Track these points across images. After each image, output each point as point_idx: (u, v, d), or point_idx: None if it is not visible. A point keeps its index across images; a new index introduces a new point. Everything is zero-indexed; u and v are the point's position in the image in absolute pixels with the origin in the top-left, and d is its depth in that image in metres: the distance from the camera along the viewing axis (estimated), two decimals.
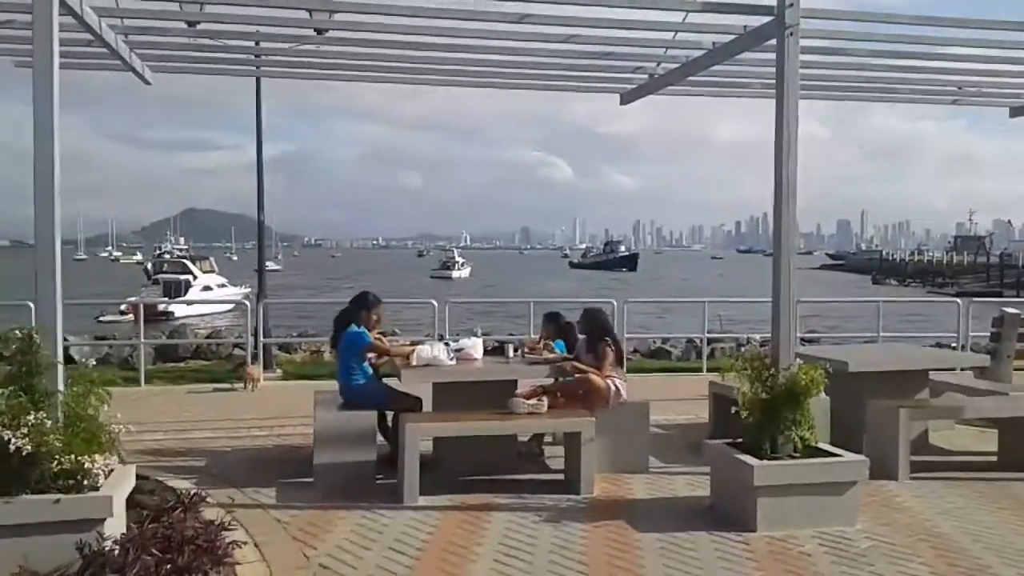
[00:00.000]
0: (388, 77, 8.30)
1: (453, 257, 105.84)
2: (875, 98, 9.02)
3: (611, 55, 7.56)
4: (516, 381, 6.96)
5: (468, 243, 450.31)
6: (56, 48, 4.88)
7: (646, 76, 8.08)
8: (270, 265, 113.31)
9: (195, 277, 46.63)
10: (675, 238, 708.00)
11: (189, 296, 42.41)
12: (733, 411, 5.81)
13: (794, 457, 5.63)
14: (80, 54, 6.91)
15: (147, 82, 7.68)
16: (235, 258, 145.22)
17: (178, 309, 36.60)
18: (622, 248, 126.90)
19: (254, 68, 8.56)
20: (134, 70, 7.34)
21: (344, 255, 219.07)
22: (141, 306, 13.22)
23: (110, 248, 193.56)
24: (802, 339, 14.31)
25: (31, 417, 4.57)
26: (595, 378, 6.75)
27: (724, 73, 7.85)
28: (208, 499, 5.74)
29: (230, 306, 38.23)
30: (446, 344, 7.14)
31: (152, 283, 46.61)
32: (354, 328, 6.92)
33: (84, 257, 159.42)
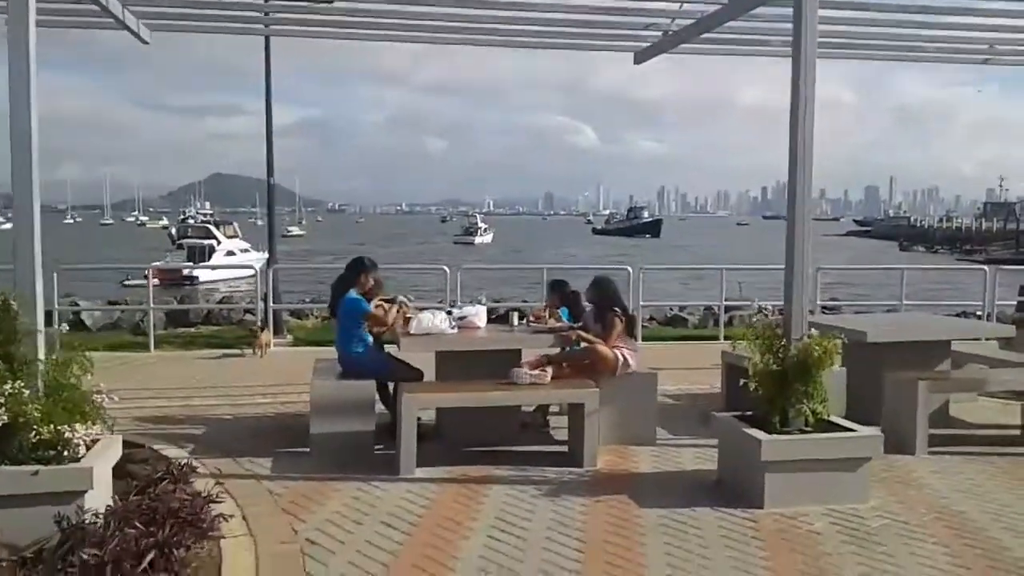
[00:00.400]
0: (398, 36, 8.05)
1: (476, 223, 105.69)
2: (900, 58, 8.62)
3: (624, 11, 7.26)
4: (520, 351, 6.76)
5: (491, 208, 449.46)
6: (32, 3, 4.67)
7: (660, 33, 7.76)
8: (294, 230, 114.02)
9: (219, 242, 46.88)
10: (700, 204, 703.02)
11: (213, 261, 42.61)
12: (742, 383, 5.57)
13: (805, 432, 5.40)
14: (69, 11, 6.70)
15: (144, 41, 7.46)
16: (260, 223, 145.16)
17: (202, 274, 36.73)
18: (645, 214, 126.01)
19: (263, 27, 8.32)
20: (129, 28, 7.12)
21: (368, 220, 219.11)
22: (149, 272, 13.04)
23: (136, 213, 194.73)
24: (823, 307, 14.00)
25: (8, 386, 4.42)
26: (601, 348, 6.54)
27: (741, 30, 7.51)
28: (199, 469, 5.62)
29: (252, 271, 38.38)
30: (448, 312, 6.94)
31: (176, 248, 46.91)
32: (352, 294, 6.73)
33: (111, 222, 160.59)
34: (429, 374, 6.83)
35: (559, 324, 6.97)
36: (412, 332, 6.49)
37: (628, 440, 6.63)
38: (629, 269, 12.89)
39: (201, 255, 43.46)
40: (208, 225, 53.36)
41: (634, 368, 6.69)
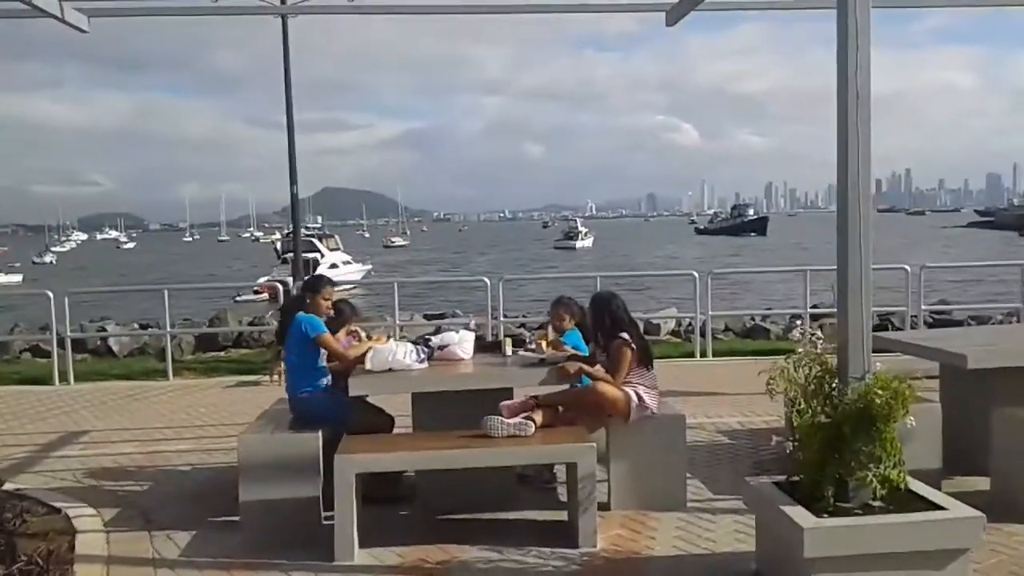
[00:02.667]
0: (415, 7, 7.47)
1: (576, 227, 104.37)
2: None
3: None
4: (512, 390, 5.37)
5: (594, 212, 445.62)
6: None
7: None
8: (397, 240, 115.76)
9: (322, 255, 47.08)
10: (810, 199, 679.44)
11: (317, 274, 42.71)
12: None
13: (871, 508, 3.83)
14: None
15: (83, 31, 6.40)
16: (367, 235, 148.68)
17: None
18: (750, 212, 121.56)
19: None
20: (63, 20, 6.08)
21: (471, 228, 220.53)
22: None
23: (251, 229, 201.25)
24: (932, 315, 12.06)
25: None
26: (602, 387, 5.08)
27: None
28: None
29: (351, 286, 38.40)
30: (416, 342, 5.62)
31: (282, 262, 47.21)
32: (302, 315, 5.50)
33: (227, 238, 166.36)
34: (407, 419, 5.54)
35: (555, 352, 5.51)
36: (368, 368, 5.18)
37: (649, 504, 5.15)
38: (695, 274, 11.28)
39: (305, 269, 43.69)
40: (312, 239, 53.86)
41: (653, 410, 5.19)
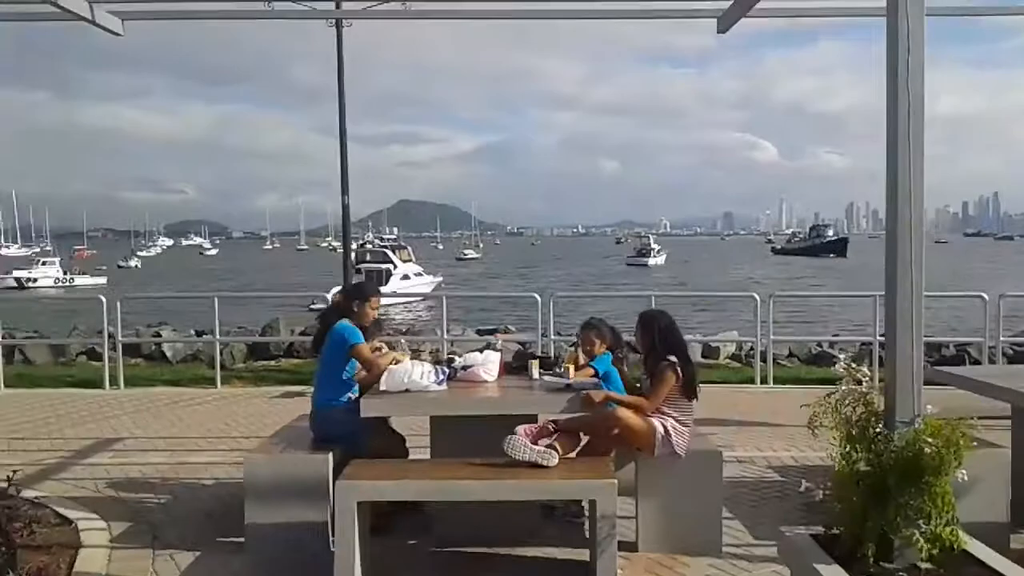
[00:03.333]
0: (469, 12, 7.44)
1: (649, 244, 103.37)
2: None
3: None
4: (536, 416, 5.03)
5: (668, 229, 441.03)
6: None
7: None
8: (469, 253, 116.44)
9: (395, 266, 47.48)
10: None
11: (390, 284, 43.01)
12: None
13: (916, 571, 3.38)
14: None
15: (117, 34, 6.33)
16: (441, 247, 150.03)
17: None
18: (830, 232, 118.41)
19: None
20: (95, 23, 6.01)
21: (544, 243, 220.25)
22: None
23: (329, 238, 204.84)
24: (1011, 345, 11.29)
25: None
26: (627, 416, 4.70)
27: None
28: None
29: (421, 297, 38.61)
30: (440, 362, 5.35)
31: (355, 272, 47.69)
32: (345, 322, 5.26)
33: (305, 247, 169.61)
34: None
35: (584, 379, 5.14)
36: (383, 388, 4.92)
37: (680, 546, 4.76)
38: (756, 296, 10.77)
39: (378, 279, 44.02)
40: (385, 249, 54.38)
41: (678, 449, 4.77)
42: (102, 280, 66.11)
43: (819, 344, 12.97)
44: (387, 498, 4.28)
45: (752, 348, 11.28)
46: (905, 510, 3.38)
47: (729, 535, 5.02)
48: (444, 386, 5.00)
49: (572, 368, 5.17)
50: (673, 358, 4.80)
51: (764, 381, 10.52)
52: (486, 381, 5.23)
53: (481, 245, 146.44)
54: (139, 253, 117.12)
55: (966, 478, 3.29)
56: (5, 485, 5.83)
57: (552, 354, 5.73)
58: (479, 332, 14.10)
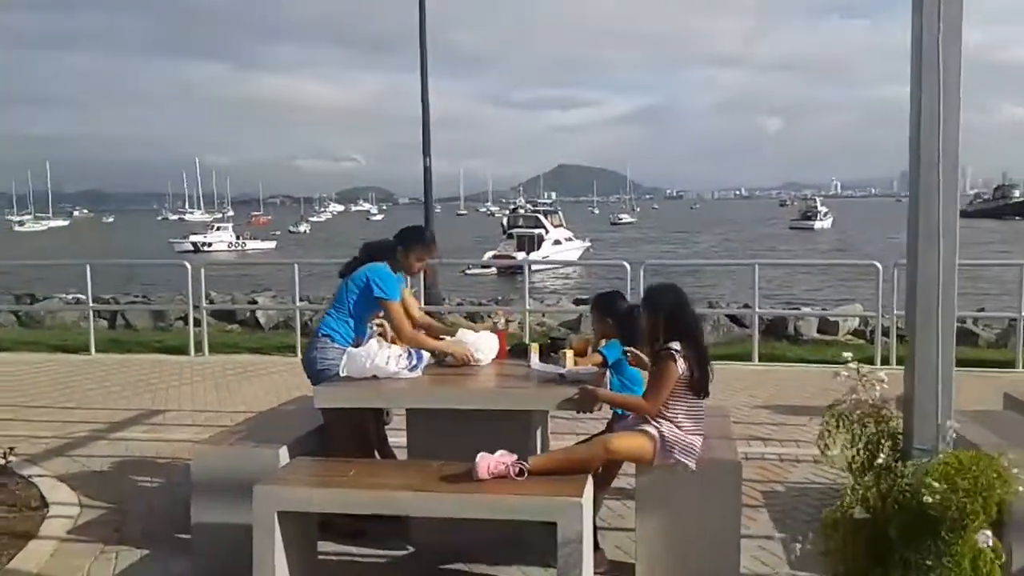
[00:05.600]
0: None
1: (815, 206, 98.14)
2: None
3: None
4: (530, 412, 4.26)
5: (839, 191, 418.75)
6: None
7: None
8: (624, 218, 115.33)
9: (547, 231, 47.03)
10: None
11: (542, 250, 42.69)
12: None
13: None
14: None
15: None
16: (596, 211, 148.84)
17: (533, 263, 36.51)
18: (1016, 193, 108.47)
19: None
20: None
21: (704, 206, 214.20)
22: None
23: (488, 204, 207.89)
24: None
25: None
26: (619, 443, 3.82)
27: None
28: None
29: (574, 260, 38.01)
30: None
31: (507, 237, 47.65)
32: (381, 266, 4.64)
33: (464, 212, 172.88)
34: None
35: (580, 368, 4.28)
36: (343, 373, 4.27)
37: (688, 573, 3.89)
38: (878, 264, 9.45)
39: (530, 244, 43.74)
40: (537, 215, 54.02)
41: (687, 456, 3.88)
42: (272, 244, 69.44)
43: (960, 320, 11.34)
44: (309, 509, 3.63)
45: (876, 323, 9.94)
46: (917, 568, 2.43)
47: (762, 558, 4.12)
48: (418, 372, 4.30)
49: (570, 356, 4.32)
50: (676, 345, 3.89)
51: (885, 361, 9.20)
52: (478, 363, 4.49)
53: (637, 209, 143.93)
54: (310, 219, 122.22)
55: (990, 542, 2.29)
56: (2, 462, 5.69)
57: (569, 337, 4.83)
58: (576, 302, 13.29)
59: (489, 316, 11.90)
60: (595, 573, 3.91)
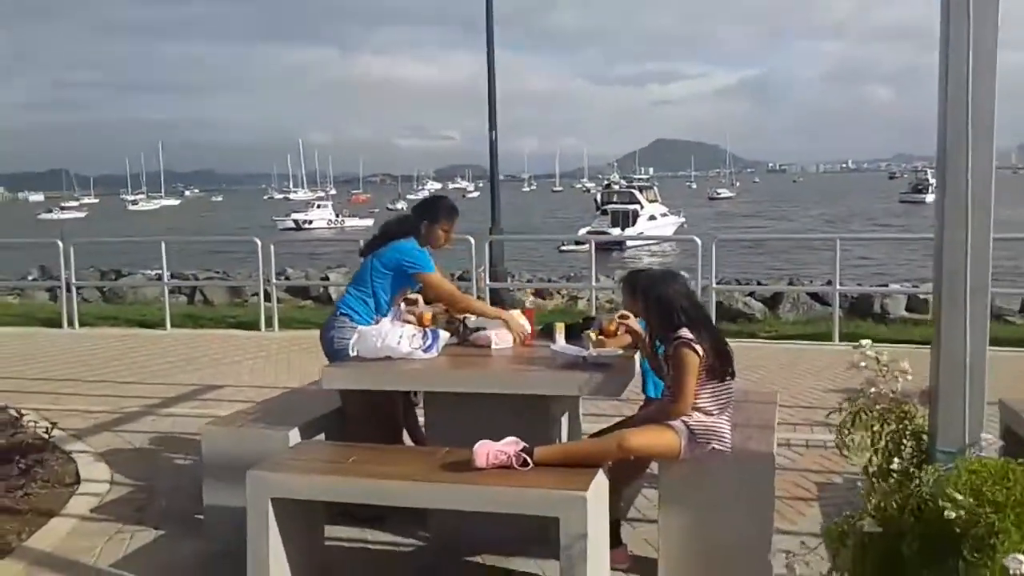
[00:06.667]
0: None
1: (926, 179, 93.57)
2: None
3: None
4: (548, 398, 3.98)
5: None
6: None
7: None
8: (722, 192, 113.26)
9: (641, 206, 46.18)
10: None
11: (637, 226, 41.94)
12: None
13: None
14: None
15: None
16: (694, 186, 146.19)
17: (628, 240, 35.99)
18: None
19: None
20: None
21: (807, 180, 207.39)
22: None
23: (583, 180, 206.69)
24: None
25: None
26: (636, 439, 3.45)
27: None
28: None
29: (668, 236, 37.23)
30: (452, 322, 4.42)
31: (601, 213, 47.02)
32: (408, 243, 4.44)
33: (560, 189, 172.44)
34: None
35: (604, 350, 3.94)
36: (353, 353, 4.08)
37: (715, 573, 3.56)
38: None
39: (624, 220, 42.96)
40: (632, 190, 53.12)
41: (721, 443, 3.55)
42: (369, 222, 70.52)
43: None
44: (301, 496, 3.44)
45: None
46: None
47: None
48: (433, 352, 4.07)
49: (594, 337, 4.00)
50: (686, 332, 3.53)
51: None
52: (495, 348, 4.23)
53: (737, 183, 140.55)
54: (407, 196, 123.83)
55: (1023, 568, 1.90)
56: (46, 437, 5.74)
57: (598, 317, 4.51)
58: None
59: (558, 293, 11.61)
60: (614, 570, 3.63)
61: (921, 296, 10.43)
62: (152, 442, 5.84)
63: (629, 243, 35.45)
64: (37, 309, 12.90)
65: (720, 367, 3.56)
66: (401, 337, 3.99)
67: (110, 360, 8.90)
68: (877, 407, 2.25)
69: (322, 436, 4.30)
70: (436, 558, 3.95)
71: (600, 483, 3.32)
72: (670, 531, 3.60)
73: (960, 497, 1.89)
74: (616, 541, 3.76)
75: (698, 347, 3.51)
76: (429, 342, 4.05)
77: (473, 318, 4.45)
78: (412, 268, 4.36)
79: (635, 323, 4.01)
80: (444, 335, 4.21)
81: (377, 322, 4.34)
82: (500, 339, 4.24)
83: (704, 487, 3.55)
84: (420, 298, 4.91)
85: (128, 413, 6.62)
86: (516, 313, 4.43)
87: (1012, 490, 1.90)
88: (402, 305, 4.87)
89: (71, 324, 11.06)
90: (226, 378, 7.87)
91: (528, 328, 4.33)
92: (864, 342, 2.29)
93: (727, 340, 3.71)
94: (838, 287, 9.21)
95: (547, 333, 4.42)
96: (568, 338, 4.25)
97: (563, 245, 32.26)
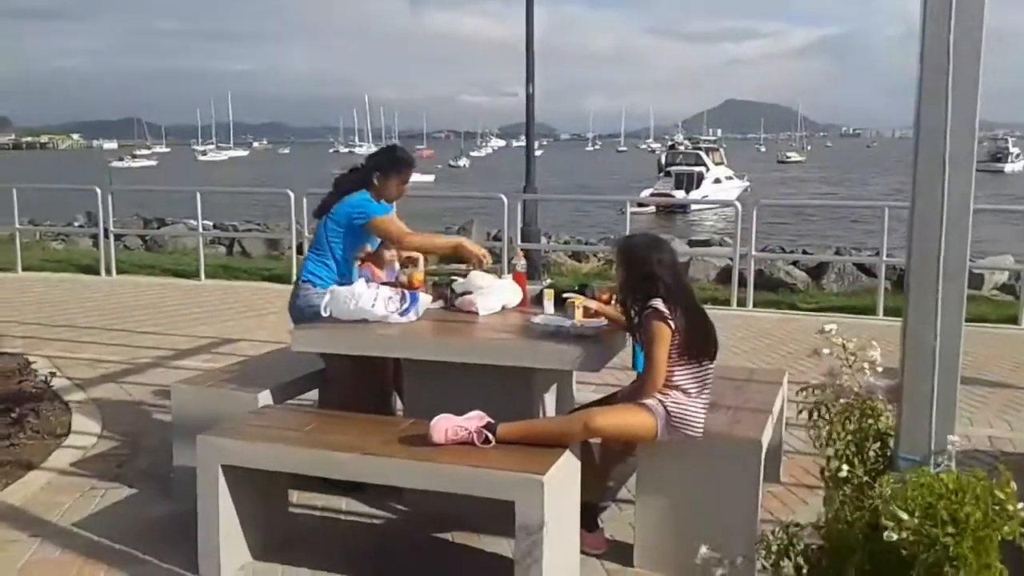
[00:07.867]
0: None
1: (1006, 147, 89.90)
2: None
3: None
4: (533, 370, 3.74)
5: None
6: None
7: None
8: (792, 156, 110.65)
9: (707, 169, 45.16)
10: None
11: (703, 188, 41.07)
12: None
13: None
14: None
15: None
16: (763, 149, 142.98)
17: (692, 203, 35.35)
18: None
19: None
20: None
21: (883, 145, 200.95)
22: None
23: (649, 140, 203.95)
24: None
25: None
26: (603, 416, 3.24)
27: None
28: None
29: (733, 199, 36.26)
30: (439, 284, 4.19)
31: (664, 175, 46.09)
32: (359, 195, 4.25)
33: (624, 149, 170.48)
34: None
35: (588, 321, 3.66)
36: (325, 313, 3.87)
37: (691, 567, 3.31)
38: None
39: (689, 183, 42.01)
40: (698, 151, 51.92)
41: (691, 428, 3.27)
42: (431, 178, 70.35)
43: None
44: (251, 465, 3.26)
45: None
46: None
47: None
48: (411, 316, 3.84)
49: (579, 305, 3.73)
50: (658, 304, 3.24)
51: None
52: (480, 313, 3.99)
53: (808, 147, 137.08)
54: (471, 153, 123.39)
55: None
56: (44, 386, 5.71)
57: (592, 285, 4.22)
58: (690, 244, 12.42)
59: (595, 256, 11.29)
60: (586, 555, 3.41)
61: (976, 271, 9.86)
62: (151, 395, 5.76)
63: (695, 206, 34.70)
64: (80, 256, 13.06)
65: (697, 350, 3.27)
66: (376, 299, 3.77)
67: (136, 309, 8.91)
68: (840, 401, 1.96)
69: (314, 396, 4.16)
70: (404, 532, 3.78)
71: (566, 465, 3.08)
72: (647, 517, 3.37)
73: (905, 517, 1.60)
74: (593, 525, 3.53)
75: (670, 321, 3.22)
76: (407, 304, 3.83)
77: (460, 280, 4.21)
78: (360, 219, 4.16)
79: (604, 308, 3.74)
80: (425, 298, 3.99)
81: (340, 284, 4.14)
82: (482, 304, 4.00)
83: (682, 472, 3.29)
84: (421, 258, 4.69)
85: (137, 364, 6.57)
86: (490, 281, 4.17)
87: (970, 509, 1.60)
88: (396, 266, 4.68)
89: (108, 271, 11.14)
90: (244, 332, 7.79)
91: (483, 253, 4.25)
92: (829, 326, 1.99)
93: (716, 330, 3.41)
94: (884, 258, 8.72)
95: (540, 300, 4.16)
96: (557, 306, 3.99)
97: (622, 210, 31.77)
